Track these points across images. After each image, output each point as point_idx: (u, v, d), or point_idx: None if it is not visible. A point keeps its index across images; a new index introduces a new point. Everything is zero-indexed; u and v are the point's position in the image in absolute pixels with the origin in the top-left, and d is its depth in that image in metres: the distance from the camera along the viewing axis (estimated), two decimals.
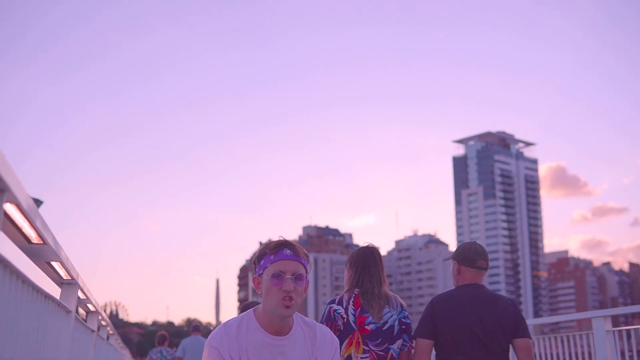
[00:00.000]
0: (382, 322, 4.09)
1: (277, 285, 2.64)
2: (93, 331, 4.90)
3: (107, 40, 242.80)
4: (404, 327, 4.19)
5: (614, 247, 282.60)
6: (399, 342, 4.14)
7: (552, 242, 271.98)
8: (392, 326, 4.13)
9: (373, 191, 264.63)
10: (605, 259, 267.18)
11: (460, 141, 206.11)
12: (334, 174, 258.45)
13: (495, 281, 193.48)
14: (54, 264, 2.61)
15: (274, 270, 2.66)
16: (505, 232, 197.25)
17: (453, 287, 4.36)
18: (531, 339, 4.13)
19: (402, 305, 4.25)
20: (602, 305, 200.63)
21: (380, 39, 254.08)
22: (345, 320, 4.07)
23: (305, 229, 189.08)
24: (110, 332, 7.78)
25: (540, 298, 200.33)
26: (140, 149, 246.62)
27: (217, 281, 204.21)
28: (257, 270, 2.75)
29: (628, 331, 5.88)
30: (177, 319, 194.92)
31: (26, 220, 1.73)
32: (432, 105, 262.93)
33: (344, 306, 4.10)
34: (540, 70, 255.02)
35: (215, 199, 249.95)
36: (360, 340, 4.05)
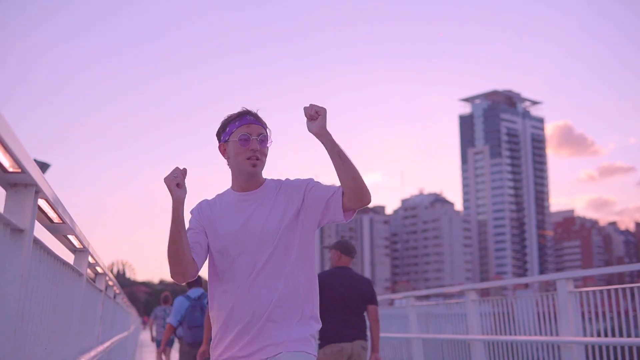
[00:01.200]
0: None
1: (245, 146, 2.86)
2: (101, 291, 5.49)
3: (112, 3, 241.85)
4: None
5: (620, 206, 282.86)
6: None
7: (559, 201, 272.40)
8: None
9: (379, 150, 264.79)
10: (612, 219, 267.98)
11: (466, 100, 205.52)
12: (339, 134, 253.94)
13: (501, 240, 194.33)
14: (69, 236, 3.16)
15: (241, 132, 2.88)
16: (511, 191, 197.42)
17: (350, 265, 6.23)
18: (377, 305, 6.22)
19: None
20: (607, 264, 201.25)
21: None
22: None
23: None
24: (117, 291, 8.39)
25: (546, 257, 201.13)
26: (145, 109, 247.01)
27: None
28: (222, 138, 2.96)
29: (594, 292, 6.39)
30: None
31: (51, 209, 2.34)
32: (439, 64, 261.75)
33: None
34: (547, 28, 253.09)
35: (220, 159, 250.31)
36: None
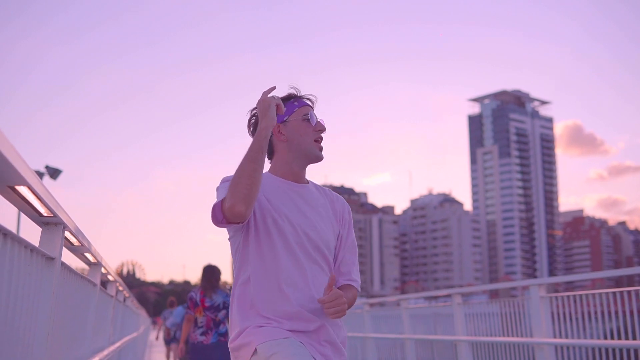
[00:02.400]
0: (214, 300, 7.59)
1: (311, 126, 2.64)
2: (112, 296, 6.11)
3: (120, 1, 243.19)
4: (227, 304, 7.53)
5: (630, 206, 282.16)
6: (223, 311, 7.58)
7: (569, 200, 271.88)
8: (219, 303, 7.59)
9: (388, 150, 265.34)
10: (622, 218, 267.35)
11: (475, 99, 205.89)
12: (349, 133, 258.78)
13: (510, 240, 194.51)
14: (86, 254, 3.78)
15: (304, 112, 2.67)
16: (521, 191, 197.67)
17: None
18: None
19: (227, 294, 7.63)
20: (616, 264, 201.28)
21: None
22: (195, 300, 7.64)
23: None
24: (127, 295, 9.04)
25: (555, 257, 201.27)
26: (154, 108, 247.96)
27: None
28: (278, 118, 2.65)
29: (565, 297, 6.93)
30: (194, 278, 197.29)
31: (74, 237, 2.97)
32: (448, 64, 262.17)
33: (196, 292, 7.73)
34: (555, 28, 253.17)
35: (229, 157, 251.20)
36: (201, 309, 7.59)
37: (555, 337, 6.79)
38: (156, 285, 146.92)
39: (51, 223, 2.54)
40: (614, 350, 6.15)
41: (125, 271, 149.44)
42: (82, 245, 3.13)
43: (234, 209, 2.34)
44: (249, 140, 2.53)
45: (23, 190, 1.87)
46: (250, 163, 2.37)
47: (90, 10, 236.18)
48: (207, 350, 7.39)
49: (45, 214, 2.37)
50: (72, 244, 3.16)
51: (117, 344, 7.07)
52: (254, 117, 2.69)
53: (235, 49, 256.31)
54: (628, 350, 6.02)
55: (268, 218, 2.53)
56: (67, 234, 2.75)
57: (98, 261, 4.19)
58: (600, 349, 6.25)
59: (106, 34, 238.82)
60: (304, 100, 2.70)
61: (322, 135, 2.65)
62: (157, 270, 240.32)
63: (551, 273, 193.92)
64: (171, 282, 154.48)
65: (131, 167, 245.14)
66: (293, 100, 2.69)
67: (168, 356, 15.71)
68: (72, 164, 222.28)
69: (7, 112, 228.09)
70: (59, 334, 3.02)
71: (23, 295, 2.15)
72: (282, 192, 2.59)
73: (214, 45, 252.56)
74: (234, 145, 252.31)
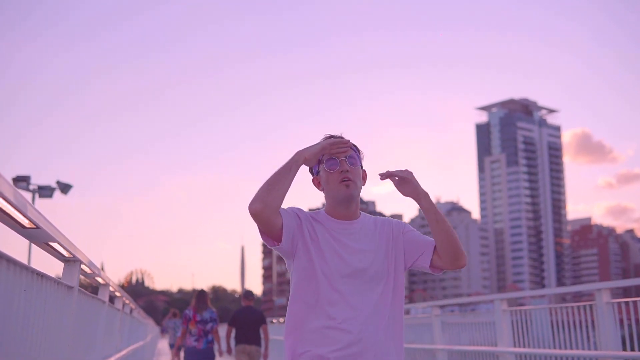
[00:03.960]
0: (204, 316, 9.99)
1: (333, 169, 2.76)
2: (118, 310, 6.93)
3: (130, 5, 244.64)
4: (214, 318, 10.07)
5: (639, 213, 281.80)
6: (210, 324, 9.98)
7: (577, 208, 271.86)
8: (207, 318, 10.00)
9: (396, 158, 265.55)
10: (631, 226, 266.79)
11: (483, 108, 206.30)
12: (357, 140, 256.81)
13: (518, 248, 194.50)
14: (97, 278, 4.57)
15: (328, 156, 2.77)
16: (528, 199, 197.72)
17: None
18: (267, 324, 10.61)
19: (212, 311, 10.12)
20: (624, 272, 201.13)
21: (404, 2, 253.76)
22: (188, 316, 10.05)
23: None
24: (133, 307, 9.91)
25: (563, 265, 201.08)
26: (163, 114, 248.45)
27: (242, 248, 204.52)
28: (314, 172, 2.87)
29: (526, 311, 7.68)
30: (203, 286, 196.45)
31: (88, 268, 3.76)
32: (455, 72, 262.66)
33: (189, 310, 10.13)
34: (563, 36, 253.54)
35: (239, 165, 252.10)
36: (194, 321, 9.96)
37: (515, 346, 7.55)
38: (165, 293, 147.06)
39: (70, 260, 3.38)
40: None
41: (134, 280, 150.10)
42: (93, 272, 3.97)
43: (250, 208, 2.56)
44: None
45: (55, 245, 2.73)
46: (274, 175, 2.61)
47: (99, 16, 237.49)
48: (199, 353, 9.88)
49: (66, 255, 3.19)
50: (86, 273, 4.00)
51: (124, 352, 7.87)
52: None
53: (246, 55, 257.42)
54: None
55: (312, 252, 2.71)
56: (83, 266, 3.57)
57: (107, 282, 5.08)
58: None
59: (115, 40, 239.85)
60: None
61: (349, 170, 2.75)
62: (166, 278, 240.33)
63: (559, 281, 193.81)
64: (180, 291, 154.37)
65: (140, 174, 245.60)
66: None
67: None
68: (81, 171, 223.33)
69: (15, 118, 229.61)
70: (78, 343, 3.83)
71: (51, 315, 2.99)
72: (331, 229, 2.75)
73: (223, 51, 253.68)
74: (244, 152, 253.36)
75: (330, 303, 2.66)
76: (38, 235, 2.71)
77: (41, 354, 2.92)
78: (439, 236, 2.70)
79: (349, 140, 2.79)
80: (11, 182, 2.80)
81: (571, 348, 6.78)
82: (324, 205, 2.90)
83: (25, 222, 2.40)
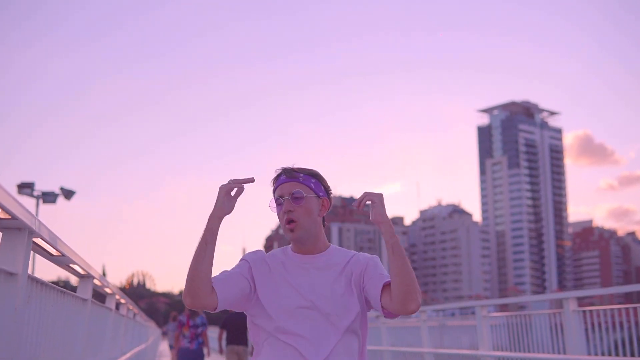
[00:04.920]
0: (195, 321, 11.61)
1: (279, 210, 2.65)
2: (123, 315, 7.40)
3: (133, 8, 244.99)
4: (204, 323, 11.71)
5: None
6: (200, 328, 11.59)
7: (579, 210, 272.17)
8: (198, 323, 11.63)
9: (398, 160, 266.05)
10: (632, 228, 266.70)
11: (484, 110, 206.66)
12: (358, 144, 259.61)
13: (519, 250, 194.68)
14: (73, 266, 4.99)
15: (275, 197, 2.68)
16: (530, 202, 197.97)
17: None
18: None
19: (203, 317, 11.70)
20: (626, 275, 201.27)
21: (405, 6, 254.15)
22: (182, 322, 11.59)
23: None
24: (136, 312, 10.43)
25: (565, 267, 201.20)
26: (164, 118, 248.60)
27: (244, 250, 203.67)
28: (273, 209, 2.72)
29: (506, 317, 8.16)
30: None
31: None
32: (457, 75, 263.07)
33: (184, 317, 11.72)
34: (564, 38, 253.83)
35: (240, 168, 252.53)
36: (187, 326, 11.55)
37: (494, 350, 8.05)
38: (166, 295, 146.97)
39: (85, 277, 3.48)
40: None
41: (135, 282, 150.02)
42: (102, 285, 4.02)
43: (184, 300, 2.52)
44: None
45: (75, 267, 3.38)
46: (194, 257, 2.50)
47: (99, 20, 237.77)
48: (191, 352, 11.64)
49: (82, 273, 3.29)
50: (50, 253, 3.16)
51: (128, 354, 8.37)
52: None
53: (247, 59, 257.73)
54: None
55: (265, 289, 2.61)
56: (95, 281, 3.83)
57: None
58: None
59: (117, 44, 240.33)
60: (281, 178, 2.71)
61: (292, 210, 2.62)
62: (168, 280, 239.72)
63: (560, 283, 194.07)
64: (181, 293, 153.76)
65: (142, 177, 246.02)
66: (274, 186, 2.72)
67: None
68: (83, 174, 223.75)
69: (16, 121, 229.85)
70: (88, 346, 4.29)
71: (70, 324, 3.62)
72: (294, 265, 2.65)
73: (226, 54, 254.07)
74: (245, 155, 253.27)
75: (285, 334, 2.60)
76: (63, 261, 3.26)
77: (59, 355, 3.53)
78: (392, 270, 2.49)
79: (248, 179, 2.62)
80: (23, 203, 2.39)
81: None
82: None
83: (54, 252, 3.01)
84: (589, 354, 6.61)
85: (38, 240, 2.65)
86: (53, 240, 2.83)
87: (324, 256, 2.68)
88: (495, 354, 7.92)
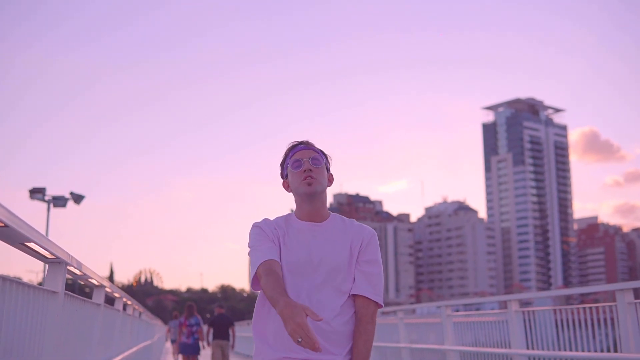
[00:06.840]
0: (191, 321, 15.20)
1: (297, 169, 2.83)
2: (129, 315, 8.31)
3: (135, 7, 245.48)
4: (198, 322, 15.19)
5: None
6: (196, 326, 15.15)
7: (585, 207, 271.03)
8: (193, 323, 15.14)
9: (404, 158, 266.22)
10: (639, 225, 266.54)
11: (489, 108, 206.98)
12: (364, 141, 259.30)
13: (525, 247, 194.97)
14: (90, 280, 5.07)
15: (293, 159, 2.87)
16: (535, 199, 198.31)
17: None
18: (234, 326, 14.93)
19: (198, 317, 15.28)
20: (631, 271, 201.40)
21: (410, 3, 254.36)
22: (181, 322, 15.49)
23: (336, 196, 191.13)
24: (142, 311, 11.40)
25: (570, 264, 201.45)
26: (171, 115, 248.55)
27: None
28: (283, 175, 2.95)
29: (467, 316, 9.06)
30: (211, 286, 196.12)
31: (110, 290, 5.15)
32: (461, 72, 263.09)
33: (182, 318, 15.64)
34: (569, 36, 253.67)
35: (246, 167, 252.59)
36: (185, 325, 15.21)
37: (458, 344, 8.97)
38: (174, 293, 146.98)
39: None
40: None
41: (142, 279, 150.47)
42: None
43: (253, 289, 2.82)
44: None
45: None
46: (270, 299, 2.54)
47: (105, 15, 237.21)
48: (189, 346, 14.98)
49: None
50: (77, 274, 4.04)
51: (134, 349, 9.36)
52: (282, 163, 2.98)
53: (252, 57, 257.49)
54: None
55: (284, 249, 2.81)
56: (70, 268, 3.66)
57: (101, 284, 5.06)
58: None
59: (120, 42, 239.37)
60: (298, 146, 2.94)
61: (312, 169, 2.83)
62: (175, 278, 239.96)
63: (565, 280, 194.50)
64: (189, 290, 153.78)
65: (149, 175, 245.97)
66: (289, 154, 2.93)
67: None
68: (90, 173, 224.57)
69: (19, 121, 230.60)
70: (100, 343, 5.24)
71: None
72: (300, 231, 2.83)
73: (230, 52, 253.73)
74: (252, 153, 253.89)
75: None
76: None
77: (80, 349, 4.34)
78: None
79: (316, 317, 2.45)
80: None
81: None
82: (292, 210, 2.99)
83: (79, 273, 3.58)
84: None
85: (70, 268, 3.60)
86: (79, 266, 3.74)
87: (328, 223, 2.89)
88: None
